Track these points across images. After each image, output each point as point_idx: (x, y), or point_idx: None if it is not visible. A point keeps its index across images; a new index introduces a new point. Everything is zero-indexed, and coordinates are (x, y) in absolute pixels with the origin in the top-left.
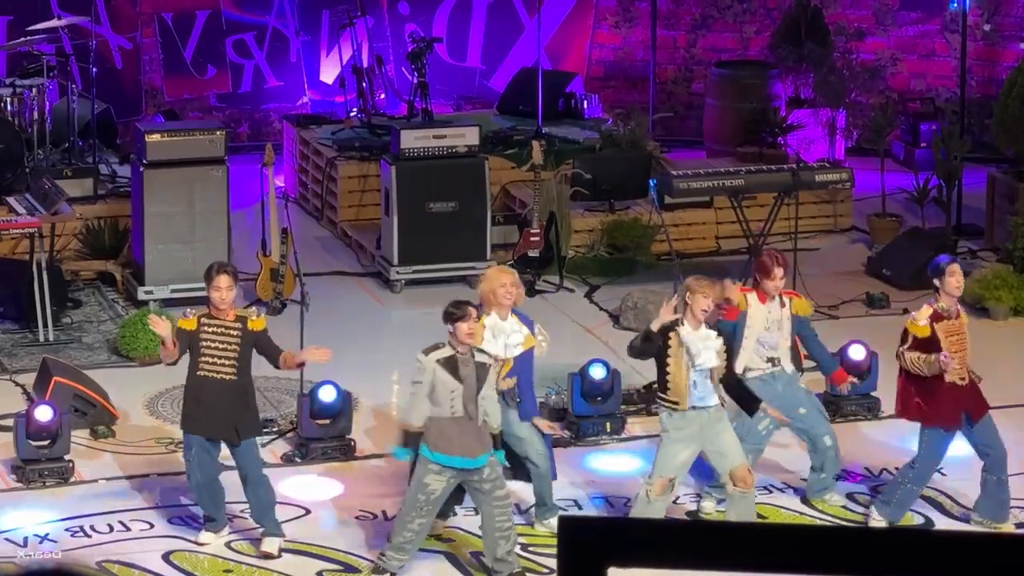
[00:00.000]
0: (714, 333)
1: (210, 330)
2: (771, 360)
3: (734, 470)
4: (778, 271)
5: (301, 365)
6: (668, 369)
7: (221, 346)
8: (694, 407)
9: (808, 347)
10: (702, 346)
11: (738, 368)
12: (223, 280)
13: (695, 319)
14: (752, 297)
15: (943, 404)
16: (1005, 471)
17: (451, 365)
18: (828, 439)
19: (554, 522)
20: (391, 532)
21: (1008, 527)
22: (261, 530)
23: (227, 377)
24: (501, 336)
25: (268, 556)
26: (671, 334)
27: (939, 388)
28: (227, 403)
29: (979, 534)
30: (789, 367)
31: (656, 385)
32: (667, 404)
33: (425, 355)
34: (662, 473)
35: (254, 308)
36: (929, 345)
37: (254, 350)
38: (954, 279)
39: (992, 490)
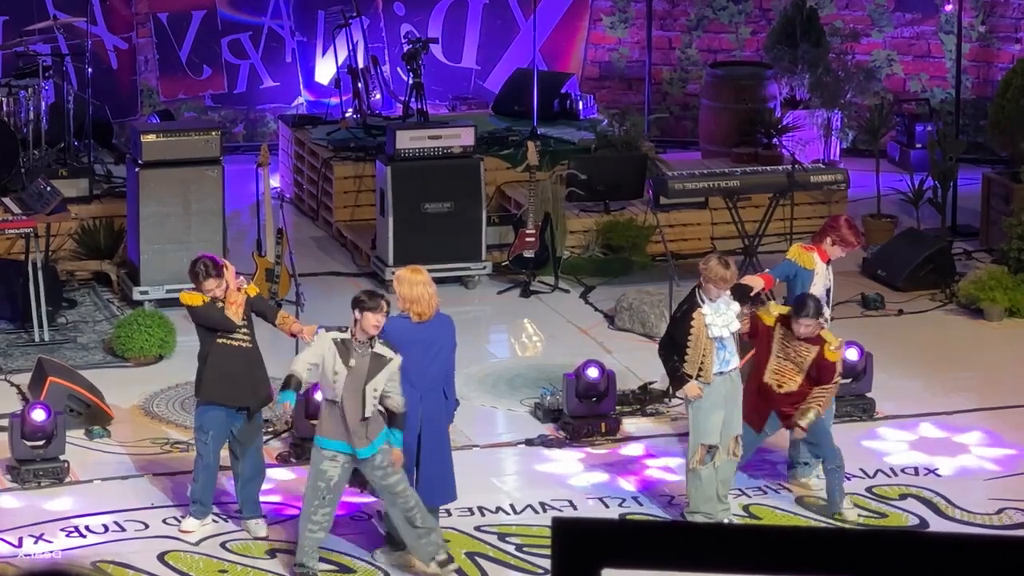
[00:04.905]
0: (731, 301)
1: (220, 302)
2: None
3: (731, 438)
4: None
5: (293, 335)
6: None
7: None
8: (720, 372)
9: None
10: (718, 317)
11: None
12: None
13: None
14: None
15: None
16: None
17: (344, 349)
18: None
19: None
20: (299, 534)
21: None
22: (248, 515)
23: (245, 344)
24: None
25: (263, 538)
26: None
27: (750, 388)
28: (249, 369)
29: (974, 536)
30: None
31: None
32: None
33: (326, 331)
34: (700, 440)
35: (242, 278)
36: (761, 339)
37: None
38: (801, 329)
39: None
